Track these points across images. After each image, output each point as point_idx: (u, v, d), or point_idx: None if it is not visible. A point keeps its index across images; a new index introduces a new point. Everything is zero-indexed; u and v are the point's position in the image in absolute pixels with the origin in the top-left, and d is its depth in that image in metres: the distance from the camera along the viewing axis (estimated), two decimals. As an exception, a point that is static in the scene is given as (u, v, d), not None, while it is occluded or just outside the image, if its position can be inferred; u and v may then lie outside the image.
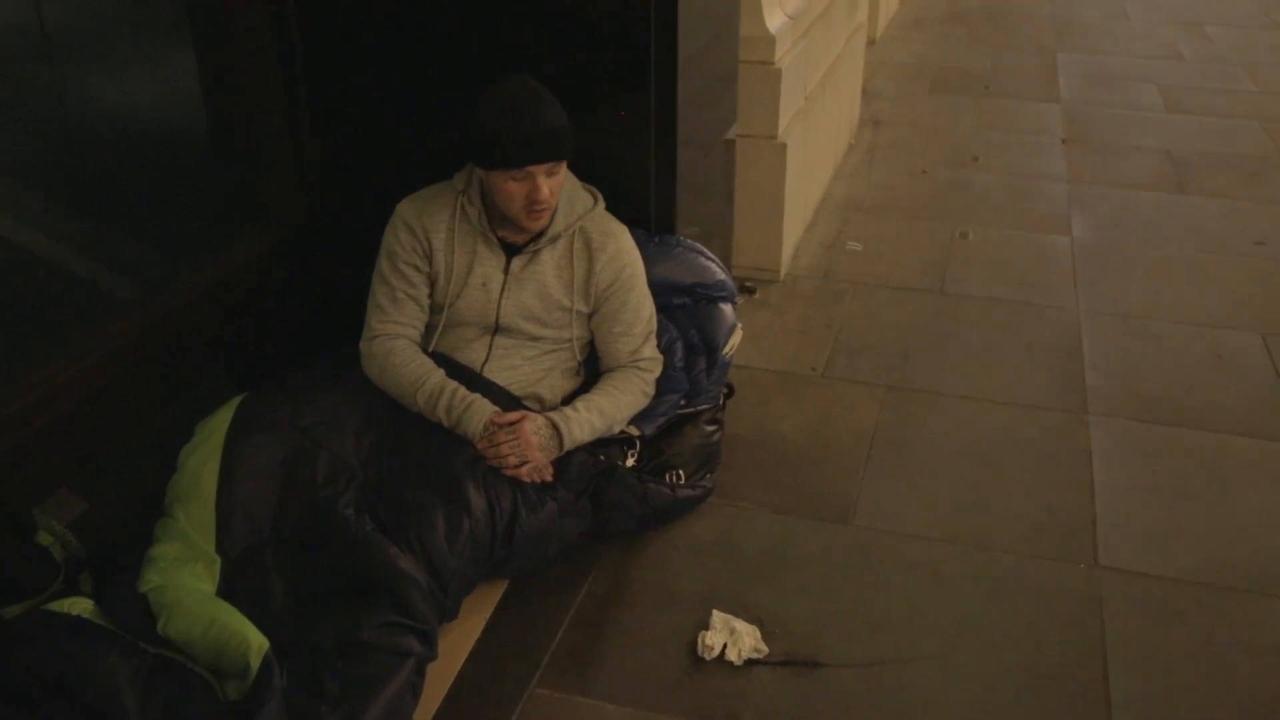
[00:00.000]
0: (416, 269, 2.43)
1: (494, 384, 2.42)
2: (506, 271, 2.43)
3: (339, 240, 2.92)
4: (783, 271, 3.83)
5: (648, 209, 2.80)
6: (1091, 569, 2.46)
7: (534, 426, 2.31)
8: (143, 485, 2.25)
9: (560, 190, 2.38)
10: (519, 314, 2.43)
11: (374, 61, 2.83)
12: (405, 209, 2.45)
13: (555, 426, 2.34)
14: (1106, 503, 2.68)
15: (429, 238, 2.41)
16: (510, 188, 2.30)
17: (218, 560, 2.05)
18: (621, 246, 2.49)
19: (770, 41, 3.49)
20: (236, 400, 2.28)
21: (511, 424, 2.29)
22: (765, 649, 2.20)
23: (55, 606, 1.92)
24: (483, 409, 2.31)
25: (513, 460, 2.27)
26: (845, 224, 4.32)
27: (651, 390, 2.56)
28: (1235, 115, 5.85)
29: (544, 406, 2.48)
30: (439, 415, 2.32)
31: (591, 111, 2.65)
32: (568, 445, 2.36)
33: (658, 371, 2.58)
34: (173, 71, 2.74)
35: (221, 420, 2.23)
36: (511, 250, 2.44)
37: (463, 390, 2.34)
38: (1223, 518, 2.65)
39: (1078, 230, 4.32)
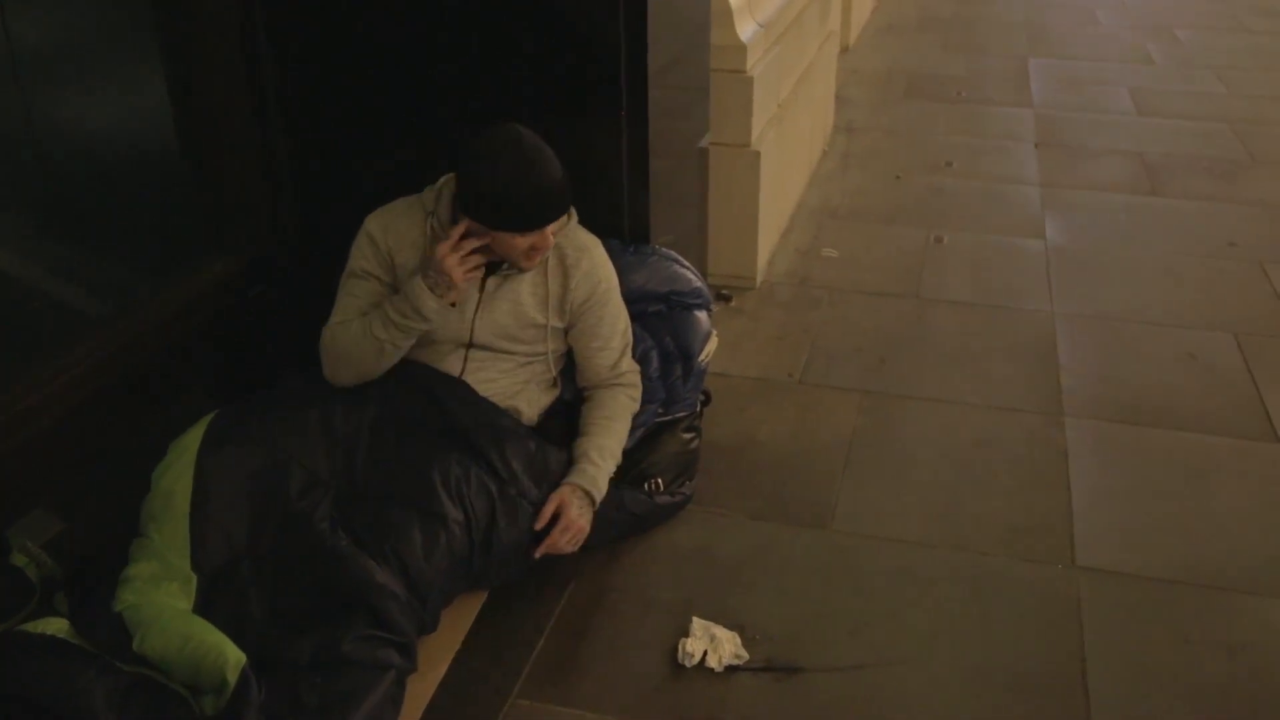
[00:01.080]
0: (380, 280, 2.40)
1: (474, 391, 2.42)
2: (481, 290, 2.41)
3: (313, 257, 2.91)
4: (759, 279, 3.84)
5: (621, 219, 2.81)
6: (1069, 569, 2.48)
7: (578, 510, 2.34)
8: (119, 505, 2.23)
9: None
10: (492, 332, 2.42)
11: (346, 77, 2.83)
12: (371, 223, 2.43)
13: (589, 495, 2.37)
14: (1083, 503, 2.70)
15: (391, 254, 2.39)
16: (517, 242, 2.29)
17: (193, 578, 2.03)
18: (596, 261, 2.48)
19: (742, 50, 3.50)
20: (208, 418, 2.27)
21: (555, 516, 2.32)
22: (746, 655, 2.20)
23: (30, 627, 1.91)
24: (418, 282, 2.28)
25: (573, 548, 2.34)
26: (820, 230, 4.34)
27: (639, 400, 2.57)
28: (1206, 118, 5.90)
29: (523, 419, 2.47)
30: (396, 323, 2.29)
31: (563, 123, 2.65)
32: (598, 503, 2.39)
33: (639, 381, 2.59)
34: (142, 88, 2.73)
35: (193, 438, 2.21)
36: (485, 270, 2.41)
37: (396, 297, 2.33)
38: (1198, 517, 2.67)
39: (1051, 233, 4.35)
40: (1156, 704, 2.12)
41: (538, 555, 2.31)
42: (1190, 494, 2.75)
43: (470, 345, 2.44)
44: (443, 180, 2.42)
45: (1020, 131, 5.64)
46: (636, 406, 2.56)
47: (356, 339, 2.34)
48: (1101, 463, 2.88)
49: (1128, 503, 2.72)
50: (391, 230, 2.40)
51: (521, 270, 2.40)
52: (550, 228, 2.30)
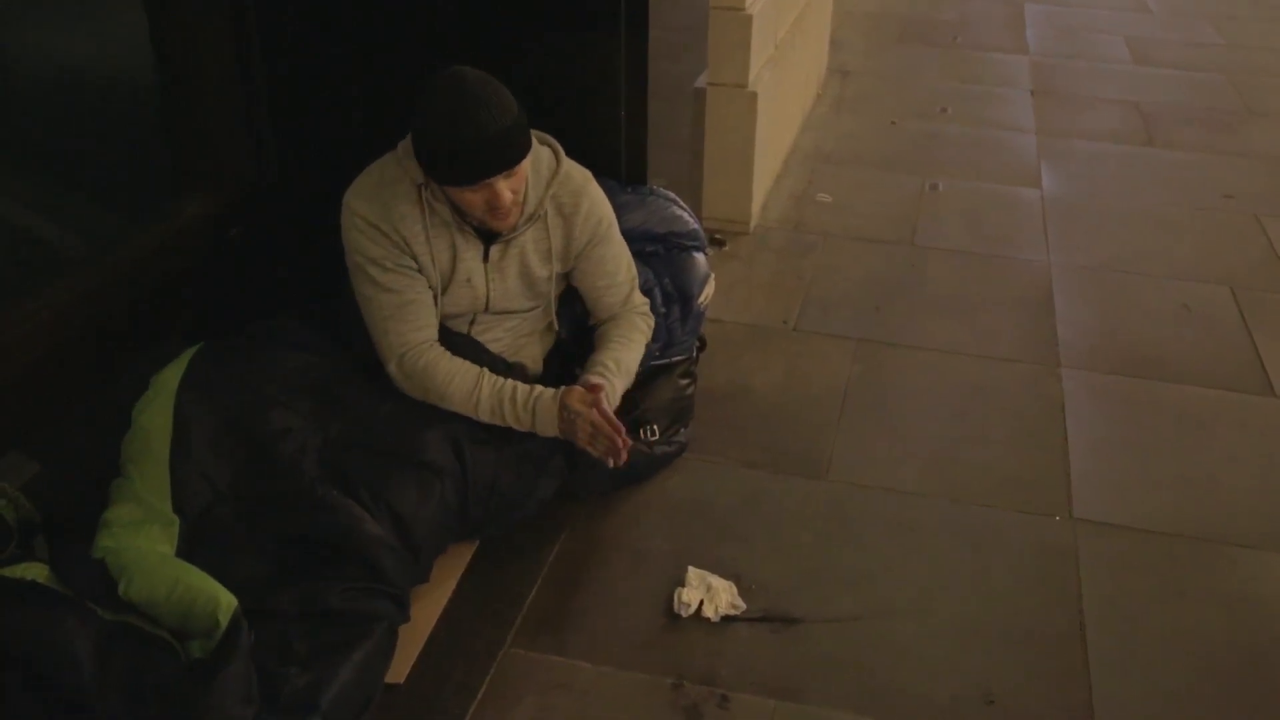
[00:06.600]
0: (408, 269, 2.24)
1: (486, 348, 2.35)
2: (485, 260, 2.29)
3: (294, 198, 2.84)
4: (752, 223, 3.78)
5: (618, 160, 2.74)
6: (1066, 521, 2.45)
7: (610, 403, 2.26)
8: (99, 446, 2.17)
9: (524, 183, 2.20)
10: (505, 298, 2.34)
11: (330, 14, 2.73)
12: (365, 210, 2.20)
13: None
14: (1080, 455, 2.67)
15: (407, 243, 2.22)
16: (468, 198, 2.13)
17: (175, 520, 1.97)
18: (594, 201, 2.37)
19: (740, -13, 3.42)
20: (190, 352, 2.19)
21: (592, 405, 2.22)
22: (742, 605, 2.17)
23: (8, 572, 1.85)
24: (550, 403, 2.23)
25: (605, 447, 2.22)
26: (815, 175, 4.27)
27: (652, 330, 2.52)
28: (1202, 68, 5.84)
29: (527, 374, 2.40)
30: (508, 424, 2.24)
31: (561, 63, 2.58)
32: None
33: (651, 313, 2.53)
34: (119, 20, 2.63)
35: (173, 374, 2.14)
36: (488, 238, 2.28)
37: (521, 388, 2.24)
38: (1194, 469, 2.65)
39: (1047, 183, 4.30)
40: (1154, 656, 2.11)
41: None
42: (1186, 447, 2.73)
43: (483, 311, 2.37)
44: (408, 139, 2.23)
45: (1015, 78, 5.57)
46: (649, 333, 2.50)
47: (452, 401, 2.23)
48: (1097, 414, 2.85)
49: (1124, 455, 2.69)
50: (392, 214, 2.20)
51: (496, 231, 2.25)
52: (503, 183, 2.11)
